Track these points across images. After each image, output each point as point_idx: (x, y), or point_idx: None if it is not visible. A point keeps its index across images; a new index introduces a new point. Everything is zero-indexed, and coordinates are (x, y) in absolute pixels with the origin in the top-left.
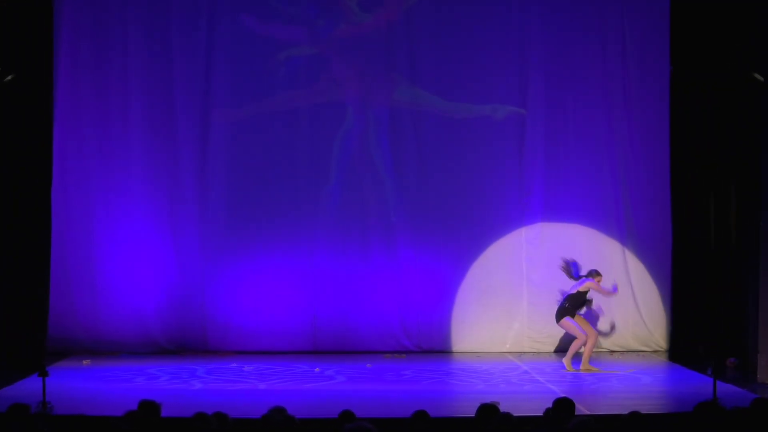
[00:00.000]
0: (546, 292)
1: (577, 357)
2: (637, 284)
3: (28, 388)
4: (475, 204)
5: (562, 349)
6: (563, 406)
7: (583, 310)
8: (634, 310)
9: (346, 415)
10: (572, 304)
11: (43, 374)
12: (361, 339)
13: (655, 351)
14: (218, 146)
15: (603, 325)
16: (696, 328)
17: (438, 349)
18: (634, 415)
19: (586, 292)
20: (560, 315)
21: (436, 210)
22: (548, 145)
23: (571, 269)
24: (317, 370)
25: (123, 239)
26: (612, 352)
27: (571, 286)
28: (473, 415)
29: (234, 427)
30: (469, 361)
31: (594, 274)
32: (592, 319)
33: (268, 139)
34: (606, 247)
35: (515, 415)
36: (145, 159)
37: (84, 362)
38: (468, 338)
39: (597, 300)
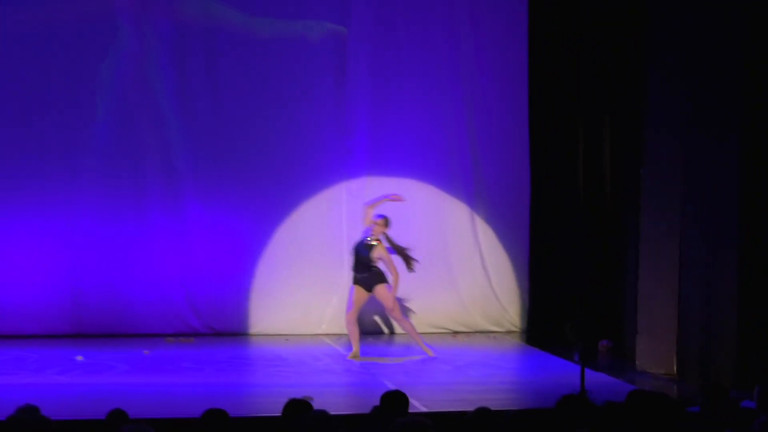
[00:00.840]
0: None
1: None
2: (487, 252)
3: None
4: (283, 149)
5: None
6: (394, 401)
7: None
8: (484, 283)
9: (117, 415)
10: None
11: None
12: (136, 319)
13: (509, 332)
14: None
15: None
16: (559, 304)
17: (234, 330)
18: (481, 413)
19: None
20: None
21: (234, 156)
22: (375, 76)
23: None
24: (79, 358)
25: None
26: (456, 333)
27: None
28: (279, 414)
29: None
30: (274, 345)
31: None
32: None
33: (14, 61)
34: (450, 208)
35: (333, 413)
36: None
37: None
38: (273, 317)
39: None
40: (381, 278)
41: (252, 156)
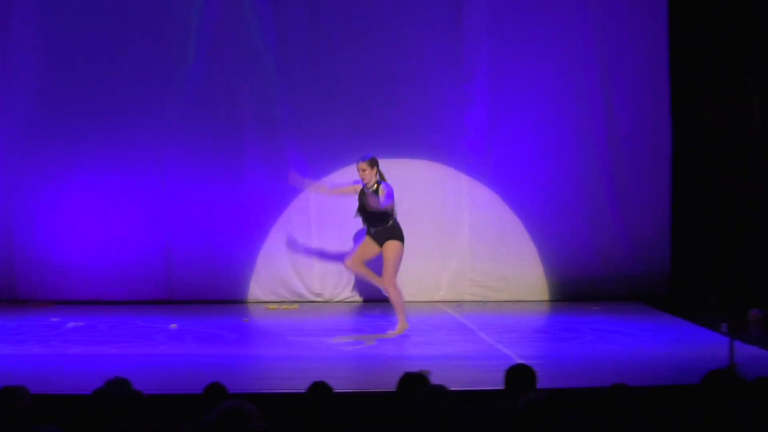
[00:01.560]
0: (486, 219)
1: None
2: (623, 213)
3: None
4: (394, 90)
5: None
6: (520, 376)
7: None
8: (622, 243)
9: (215, 390)
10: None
11: None
12: (234, 284)
13: (650, 298)
14: (25, 10)
15: None
16: (704, 269)
17: (342, 297)
18: (618, 389)
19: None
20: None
21: (339, 98)
22: (495, 21)
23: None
24: (173, 326)
25: None
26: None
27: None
28: (392, 389)
29: (49, 406)
30: (387, 313)
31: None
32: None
33: (99, 8)
34: (580, 159)
35: (452, 388)
36: None
37: None
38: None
39: None
40: (395, 234)
41: (360, 99)
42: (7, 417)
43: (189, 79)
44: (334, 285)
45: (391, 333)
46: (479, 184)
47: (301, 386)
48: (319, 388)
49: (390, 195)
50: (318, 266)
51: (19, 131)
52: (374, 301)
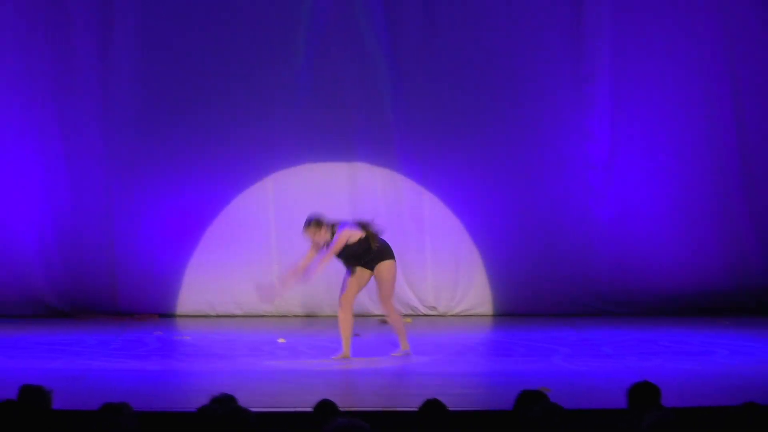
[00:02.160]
0: (617, 233)
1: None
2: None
3: None
4: (510, 96)
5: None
6: (643, 393)
7: None
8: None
9: (325, 407)
10: None
11: None
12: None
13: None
14: (128, 11)
15: None
16: None
17: (458, 310)
18: (748, 408)
19: None
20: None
21: (455, 105)
22: (619, 8)
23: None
24: (281, 341)
25: None
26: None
27: None
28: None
29: (153, 423)
30: (513, 327)
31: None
32: None
33: (207, 9)
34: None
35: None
36: (18, 26)
37: None
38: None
39: None
40: (384, 254)
41: (476, 106)
42: None
43: (297, 84)
44: (449, 298)
45: (395, 353)
46: (600, 191)
47: (413, 404)
48: (433, 405)
49: (334, 242)
50: (431, 278)
51: (124, 136)
52: (504, 314)
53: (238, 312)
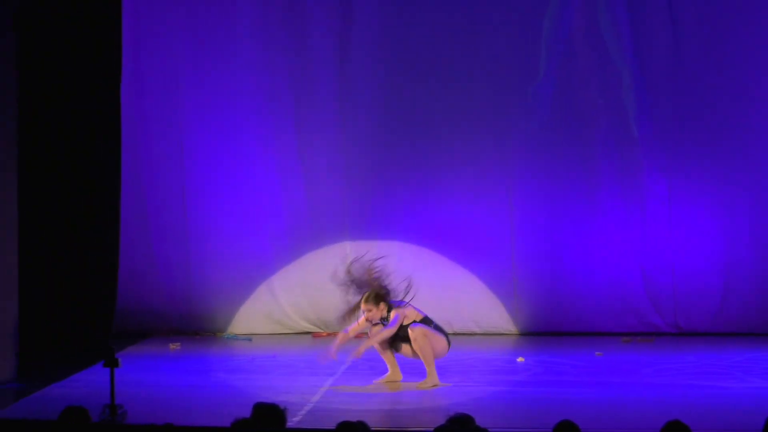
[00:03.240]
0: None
1: None
2: None
3: (88, 383)
4: (759, 108)
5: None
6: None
7: None
8: None
9: (567, 428)
10: None
11: (111, 364)
12: (583, 314)
13: None
14: (367, 25)
15: None
16: None
17: (705, 329)
18: None
19: None
20: None
21: (703, 119)
22: None
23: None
24: (520, 360)
25: (226, 162)
26: None
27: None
28: None
29: None
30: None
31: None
32: None
33: (443, 15)
34: None
35: None
36: (257, 46)
37: (172, 347)
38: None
39: None
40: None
41: (726, 121)
42: None
43: (538, 96)
44: (702, 314)
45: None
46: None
47: (655, 426)
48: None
49: (393, 323)
50: (674, 295)
51: (361, 156)
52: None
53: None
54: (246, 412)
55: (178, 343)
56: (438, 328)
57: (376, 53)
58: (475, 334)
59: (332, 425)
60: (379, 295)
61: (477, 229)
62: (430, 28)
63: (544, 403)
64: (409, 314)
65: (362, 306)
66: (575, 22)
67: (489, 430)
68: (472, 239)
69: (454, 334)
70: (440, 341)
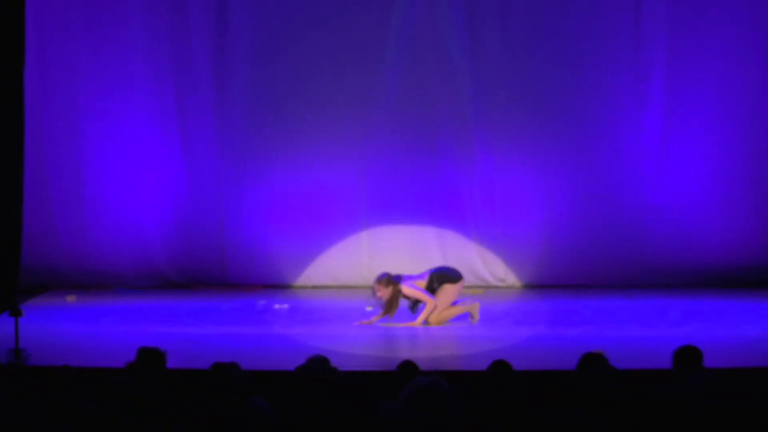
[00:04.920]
0: (668, 213)
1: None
2: None
3: None
4: (575, 94)
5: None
6: (687, 356)
7: None
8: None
9: (407, 368)
10: None
11: (16, 313)
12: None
13: None
14: (241, 18)
15: None
16: None
17: (528, 281)
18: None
19: None
20: None
21: (525, 101)
22: (673, 17)
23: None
24: (369, 308)
25: (117, 139)
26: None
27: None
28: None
29: (258, 381)
30: (578, 296)
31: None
32: None
33: (302, 12)
34: (749, 158)
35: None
36: (145, 33)
37: (68, 298)
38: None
39: None
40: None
41: (544, 103)
42: (224, 390)
43: (387, 83)
44: (517, 271)
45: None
46: (654, 178)
47: (482, 365)
48: (500, 366)
49: (420, 291)
50: (502, 254)
51: (235, 130)
52: (566, 286)
53: (332, 283)
54: (133, 356)
55: (74, 295)
56: (445, 278)
57: (250, 53)
58: (327, 286)
59: None
60: (390, 277)
61: (333, 195)
62: (292, 26)
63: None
64: (417, 283)
65: (376, 286)
66: (419, 19)
67: (338, 369)
68: (329, 203)
69: (313, 287)
70: (449, 296)
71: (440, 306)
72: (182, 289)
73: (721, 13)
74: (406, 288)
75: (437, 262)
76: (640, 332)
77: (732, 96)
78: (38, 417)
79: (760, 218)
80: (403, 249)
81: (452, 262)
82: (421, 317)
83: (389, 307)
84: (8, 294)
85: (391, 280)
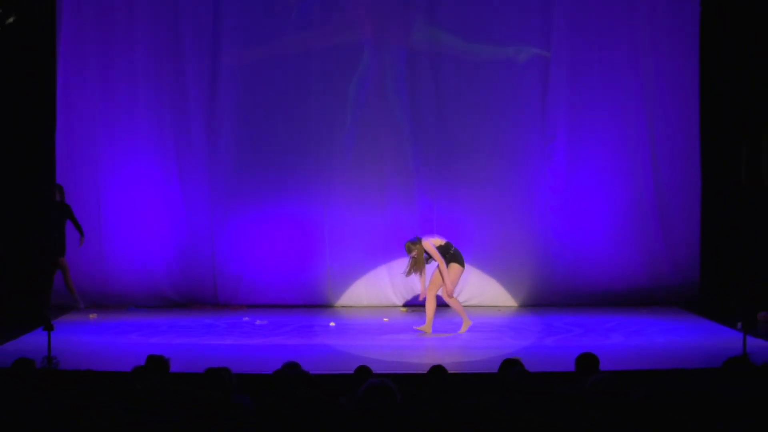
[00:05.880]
0: (569, 244)
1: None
2: (666, 235)
3: (32, 342)
4: (495, 150)
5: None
6: (586, 361)
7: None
8: (664, 262)
9: (363, 371)
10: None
11: (49, 328)
12: (376, 292)
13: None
14: (227, 89)
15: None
16: (725, 280)
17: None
18: (676, 373)
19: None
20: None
21: (456, 158)
22: (573, 91)
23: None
24: (332, 324)
25: (130, 186)
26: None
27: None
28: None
29: (244, 382)
30: (485, 315)
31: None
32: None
33: (280, 83)
34: (633, 200)
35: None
36: (151, 102)
37: (90, 316)
38: (481, 293)
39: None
40: (455, 258)
41: (471, 158)
42: (216, 389)
43: (347, 137)
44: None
45: (460, 332)
46: (557, 215)
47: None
48: (437, 370)
49: (434, 253)
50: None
51: (224, 177)
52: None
53: (302, 303)
54: (142, 362)
55: (96, 313)
56: (457, 258)
57: (237, 113)
58: (295, 306)
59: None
60: (418, 237)
61: (301, 230)
62: (279, 92)
63: (347, 353)
64: (434, 241)
65: (411, 246)
66: (371, 89)
67: (310, 372)
68: (297, 238)
69: (286, 306)
70: (455, 274)
71: (451, 278)
72: (182, 308)
73: (610, 84)
74: (426, 243)
75: (386, 282)
76: (548, 342)
77: (619, 152)
78: (67, 410)
79: (642, 250)
80: (360, 271)
81: (398, 282)
82: (447, 281)
83: (417, 262)
84: (42, 312)
85: (419, 241)
